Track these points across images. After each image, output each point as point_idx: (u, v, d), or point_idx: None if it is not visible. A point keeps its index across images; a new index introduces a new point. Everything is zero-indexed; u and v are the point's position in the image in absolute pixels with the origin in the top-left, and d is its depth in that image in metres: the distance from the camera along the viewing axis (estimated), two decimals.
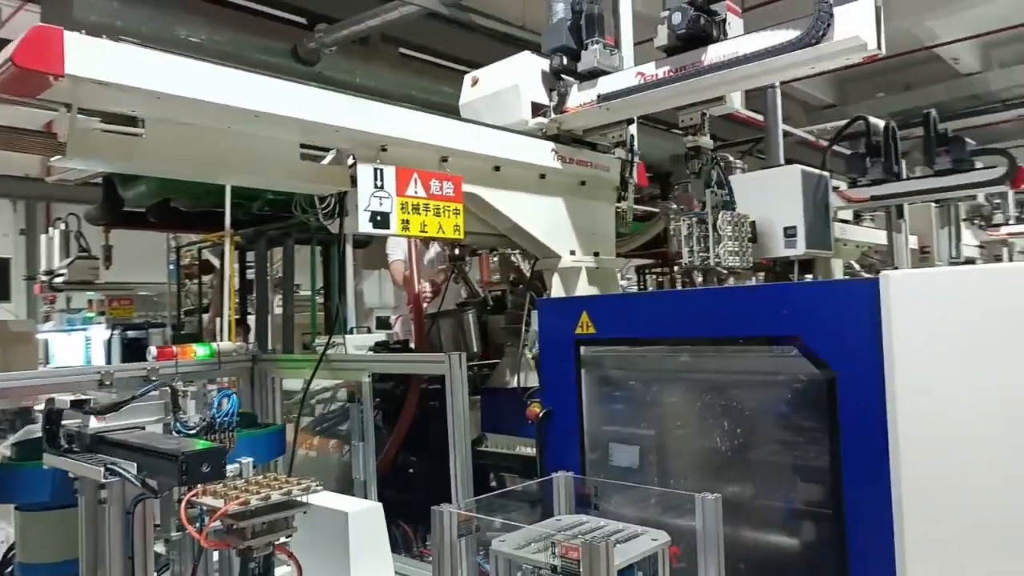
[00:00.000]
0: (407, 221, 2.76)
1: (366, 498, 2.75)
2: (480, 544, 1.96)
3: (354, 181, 2.84)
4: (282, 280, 5.58)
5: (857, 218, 6.37)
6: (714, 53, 2.82)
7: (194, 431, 1.98)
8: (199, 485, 1.70)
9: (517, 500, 3.27)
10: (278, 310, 6.37)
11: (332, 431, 3.69)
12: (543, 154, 3.27)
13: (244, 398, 3.29)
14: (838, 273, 5.71)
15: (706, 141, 3.21)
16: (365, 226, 2.63)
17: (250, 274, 6.62)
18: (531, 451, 3.47)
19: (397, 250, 4.70)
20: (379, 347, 3.99)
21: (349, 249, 5.80)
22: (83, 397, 1.97)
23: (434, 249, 4.57)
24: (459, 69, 7.64)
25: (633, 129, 3.47)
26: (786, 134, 10.37)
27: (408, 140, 2.74)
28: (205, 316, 8.28)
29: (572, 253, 3.41)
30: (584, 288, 3.44)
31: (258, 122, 2.40)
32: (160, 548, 2.05)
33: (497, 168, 3.11)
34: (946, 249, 7.14)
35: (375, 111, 2.64)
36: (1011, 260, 9.48)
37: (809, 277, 6.59)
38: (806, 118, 13.08)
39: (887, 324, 1.98)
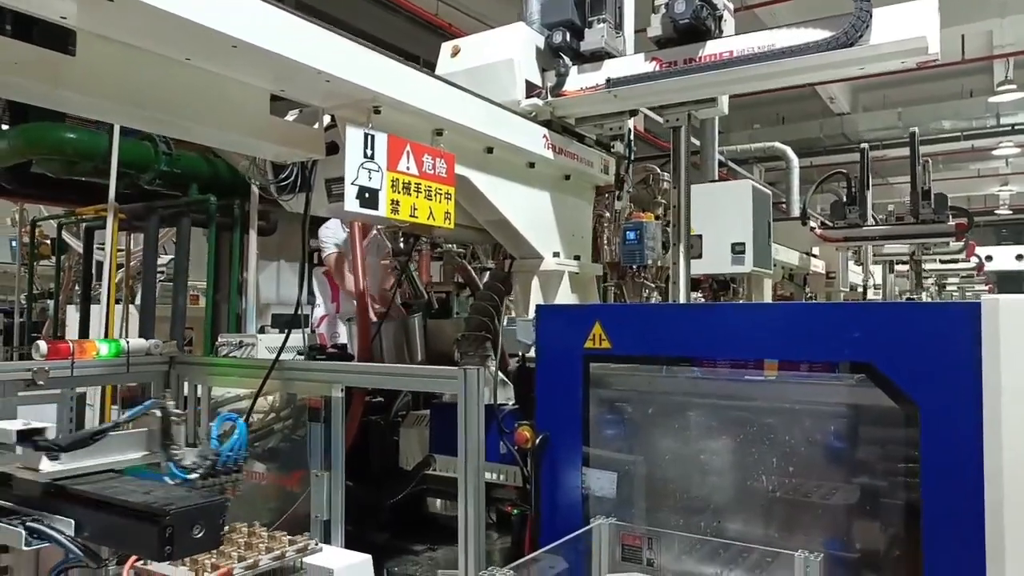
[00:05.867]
0: (397, 202, 2.27)
1: (328, 543, 2.20)
2: None
3: (329, 149, 2.32)
4: (173, 266, 4.78)
5: None
6: (717, 47, 2.58)
7: (195, 474, 1.39)
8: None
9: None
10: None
11: (255, 452, 3.07)
12: (536, 140, 2.87)
13: None
14: (768, 294, 5.71)
15: None
16: (352, 204, 2.11)
17: (98, 256, 5.71)
18: (491, 477, 3.04)
19: (331, 241, 4.08)
20: (314, 352, 3.41)
21: (253, 236, 5.08)
22: (36, 425, 1.32)
23: (373, 242, 4.01)
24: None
25: (632, 123, 3.15)
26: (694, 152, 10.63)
27: (405, 104, 2.25)
28: (50, 303, 7.11)
29: (556, 255, 3.03)
30: (566, 295, 3.07)
31: (229, 56, 1.83)
32: None
33: (490, 150, 2.67)
34: (845, 276, 7.45)
35: (374, 63, 2.13)
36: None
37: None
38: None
39: (991, 352, 1.76)
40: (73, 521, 1.16)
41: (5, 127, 4.57)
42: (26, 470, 1.27)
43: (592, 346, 2.38)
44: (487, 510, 3.35)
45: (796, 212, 7.95)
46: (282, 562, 1.37)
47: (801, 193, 7.70)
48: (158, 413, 1.45)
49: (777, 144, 8.50)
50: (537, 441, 2.47)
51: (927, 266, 11.73)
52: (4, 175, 4.92)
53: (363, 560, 1.86)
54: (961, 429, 1.79)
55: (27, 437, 1.27)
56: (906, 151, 11.99)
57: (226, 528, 1.51)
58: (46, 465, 1.25)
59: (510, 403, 3.04)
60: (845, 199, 5.77)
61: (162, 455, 1.43)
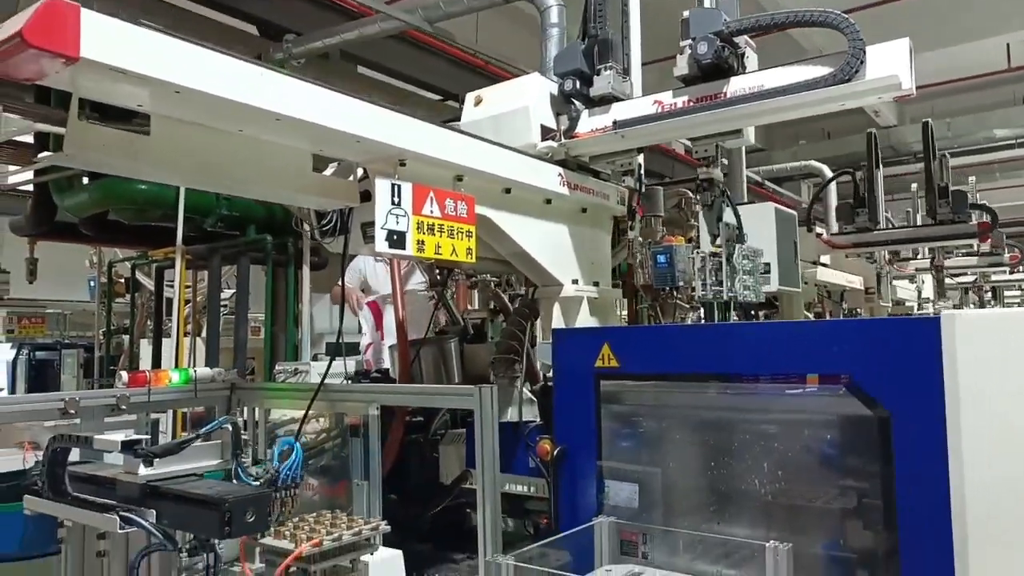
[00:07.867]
0: (422, 242, 2.58)
1: None
2: None
3: (363, 197, 2.65)
4: (235, 302, 5.22)
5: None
6: (737, 85, 2.79)
7: (257, 481, 1.71)
8: None
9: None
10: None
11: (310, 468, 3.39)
12: (551, 178, 3.15)
13: None
14: (800, 312, 5.83)
15: (718, 173, 3.16)
16: (382, 245, 2.43)
17: (168, 293, 6.20)
18: (521, 489, 3.29)
19: (354, 272, 4.41)
20: (359, 376, 3.74)
21: (306, 271, 5.49)
22: (135, 437, 1.66)
23: (416, 276, 4.34)
24: (412, 91, 7.58)
25: (641, 158, 3.41)
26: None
27: (427, 156, 2.56)
28: (124, 338, 7.69)
29: (574, 282, 3.29)
30: (585, 319, 3.32)
31: (274, 127, 2.17)
32: None
33: (508, 191, 2.97)
34: (887, 290, 7.44)
35: (398, 123, 2.45)
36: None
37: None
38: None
39: (950, 363, 1.94)
40: (155, 511, 1.48)
41: (85, 181, 5.09)
42: (128, 474, 1.61)
43: (602, 365, 2.62)
44: (524, 522, 3.60)
45: (835, 228, 8.00)
46: (358, 538, 1.66)
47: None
48: (229, 428, 1.77)
49: (813, 163, 8.59)
50: (555, 453, 2.71)
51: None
52: (85, 223, 5.46)
53: (393, 555, 2.14)
54: (928, 435, 1.97)
55: (129, 446, 1.62)
56: (960, 160, 11.67)
57: (315, 514, 1.84)
58: (143, 470, 1.59)
59: (537, 420, 3.30)
60: (852, 201, 5.31)
61: (233, 463, 1.74)
